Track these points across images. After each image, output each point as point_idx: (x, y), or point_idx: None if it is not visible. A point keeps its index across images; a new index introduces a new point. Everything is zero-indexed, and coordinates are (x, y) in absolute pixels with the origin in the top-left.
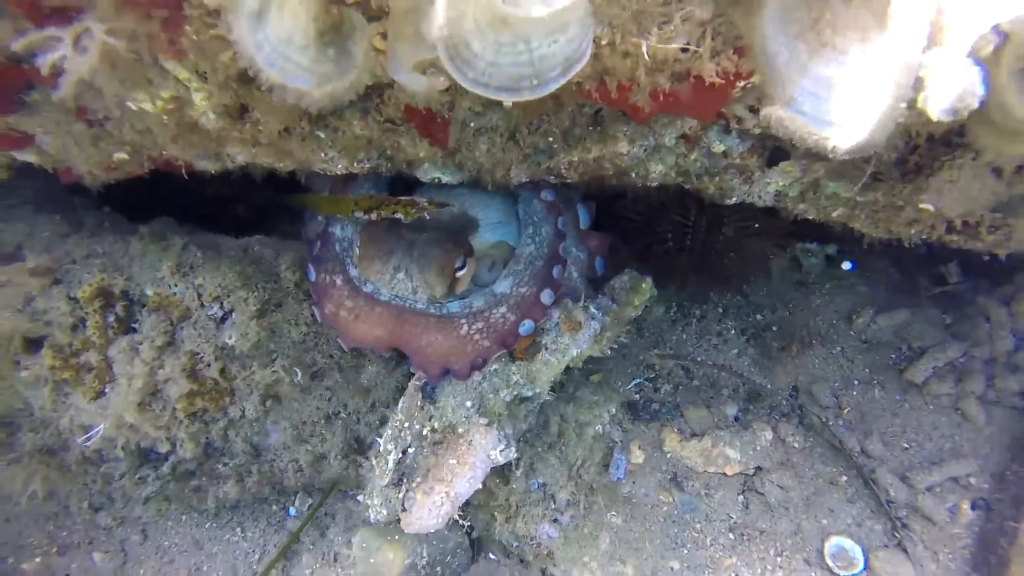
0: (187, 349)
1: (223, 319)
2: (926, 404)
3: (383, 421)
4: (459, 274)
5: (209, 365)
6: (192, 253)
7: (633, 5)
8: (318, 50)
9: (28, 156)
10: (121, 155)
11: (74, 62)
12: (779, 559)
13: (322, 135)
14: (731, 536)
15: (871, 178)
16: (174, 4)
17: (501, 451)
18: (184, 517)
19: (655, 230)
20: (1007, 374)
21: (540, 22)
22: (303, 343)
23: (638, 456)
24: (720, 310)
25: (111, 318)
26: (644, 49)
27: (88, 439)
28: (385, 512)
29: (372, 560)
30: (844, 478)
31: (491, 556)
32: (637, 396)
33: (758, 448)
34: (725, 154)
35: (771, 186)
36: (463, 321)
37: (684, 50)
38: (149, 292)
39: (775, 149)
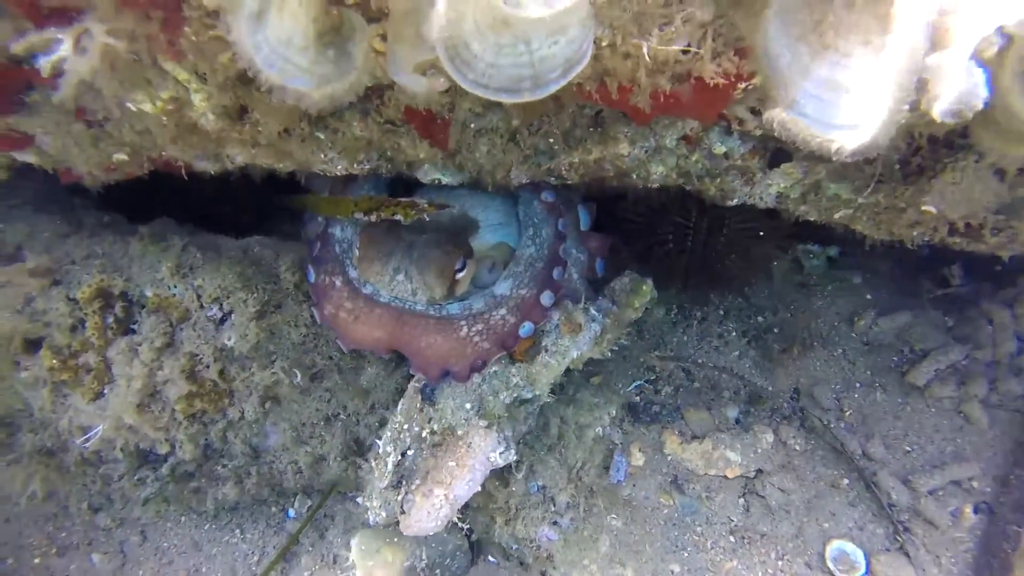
0: (186, 350)
1: (222, 320)
2: (928, 407)
3: (382, 423)
4: (459, 276)
5: (208, 366)
6: (192, 254)
7: (634, 6)
8: (318, 51)
9: (28, 157)
10: (121, 156)
11: (74, 63)
12: (780, 563)
13: (322, 136)
14: (732, 539)
15: (872, 180)
16: (173, 5)
17: (500, 453)
18: (183, 518)
19: (656, 231)
20: (1010, 377)
21: (541, 23)
22: (303, 344)
23: (638, 458)
24: (721, 312)
25: (110, 319)
26: (645, 50)
27: (87, 440)
28: (384, 514)
29: (371, 562)
30: (846, 481)
31: (491, 558)
32: (637, 398)
33: (759, 451)
34: (726, 155)
35: (772, 188)
36: (463, 323)
37: (685, 51)
38: (148, 293)
39: (776, 151)
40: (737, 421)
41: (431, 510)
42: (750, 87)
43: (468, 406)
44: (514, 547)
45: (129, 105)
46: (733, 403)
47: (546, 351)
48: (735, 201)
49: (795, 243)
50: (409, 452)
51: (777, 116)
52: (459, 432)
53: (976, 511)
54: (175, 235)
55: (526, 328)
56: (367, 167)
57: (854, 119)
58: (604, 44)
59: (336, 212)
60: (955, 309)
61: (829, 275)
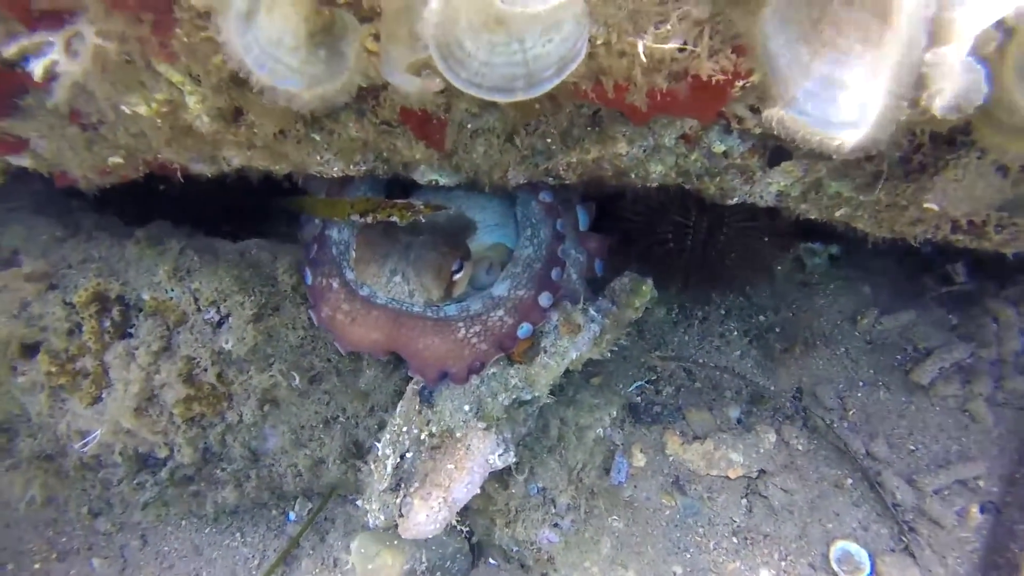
0: (184, 354)
1: (220, 323)
2: (932, 406)
3: (381, 425)
4: (456, 277)
5: (206, 370)
6: (189, 257)
7: (629, 4)
8: (309, 51)
9: (23, 160)
10: (116, 159)
11: (66, 65)
12: (783, 563)
13: (317, 137)
14: (734, 540)
15: (874, 177)
16: (163, 7)
17: (500, 455)
18: (184, 522)
19: (655, 231)
20: (1015, 375)
21: (534, 21)
22: (301, 347)
23: (639, 459)
24: (722, 311)
25: (107, 323)
26: (640, 48)
27: (85, 445)
28: (383, 517)
29: (371, 566)
30: (849, 481)
31: (491, 561)
32: (638, 399)
33: (761, 451)
34: (726, 154)
35: (773, 186)
36: (460, 324)
37: (681, 49)
38: (145, 297)
39: (776, 149)
40: (739, 421)
41: (429, 513)
42: (748, 85)
43: (466, 408)
44: (515, 549)
45: (123, 108)
46: (735, 403)
47: (545, 352)
48: (735, 200)
49: (796, 242)
50: (408, 455)
51: (776, 114)
52: (457, 434)
53: (982, 510)
54: (172, 238)
55: (524, 329)
56: (363, 168)
57: (854, 116)
58: (599, 42)
59: (333, 214)
60: (959, 307)
61: (831, 274)
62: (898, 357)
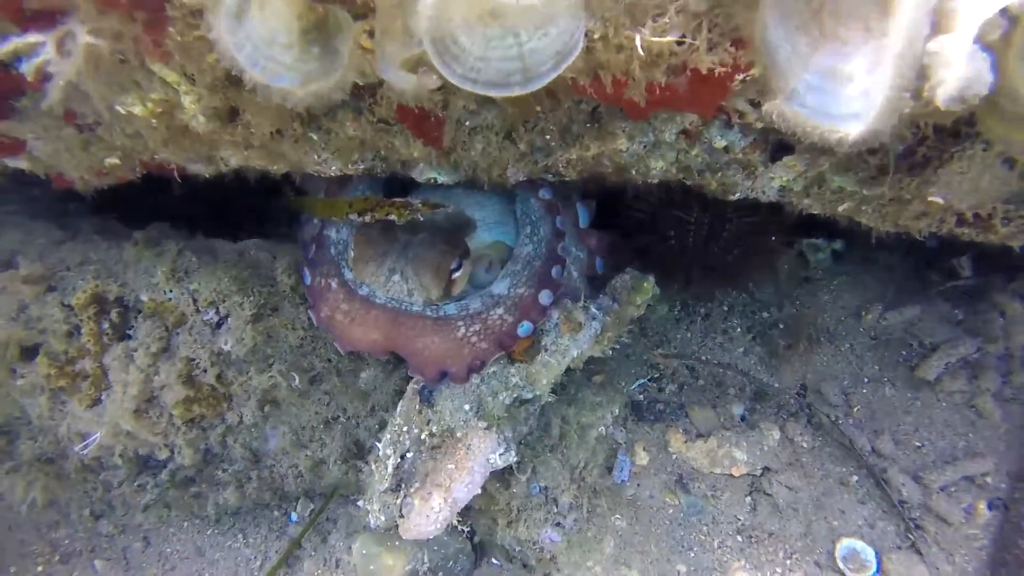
0: (183, 355)
1: (219, 324)
2: (939, 401)
3: (382, 425)
4: (455, 275)
5: (205, 371)
6: (187, 258)
7: None
8: (302, 49)
9: (20, 163)
10: (112, 160)
11: (59, 66)
12: (789, 562)
13: (315, 137)
14: (739, 538)
15: (878, 171)
16: (156, 5)
17: (500, 455)
18: (186, 524)
19: (656, 228)
20: (1023, 370)
21: (530, 12)
22: (300, 347)
23: (642, 458)
24: (725, 308)
25: (106, 325)
26: (638, 42)
27: (85, 447)
28: (384, 518)
29: (372, 567)
30: (855, 478)
31: (494, 561)
32: (641, 396)
33: (765, 448)
34: (727, 149)
35: (775, 181)
36: (460, 323)
37: (680, 43)
38: (144, 298)
39: (778, 143)
40: (743, 418)
41: (430, 513)
42: (748, 78)
43: (467, 407)
44: (517, 549)
45: (118, 108)
46: (738, 400)
47: (546, 350)
48: (737, 195)
49: (799, 237)
50: (408, 455)
51: (777, 108)
52: (458, 434)
53: (990, 507)
54: (170, 240)
55: (524, 327)
56: (361, 167)
57: (856, 109)
58: (596, 36)
59: (331, 213)
60: (965, 302)
61: (835, 269)
62: (903, 353)
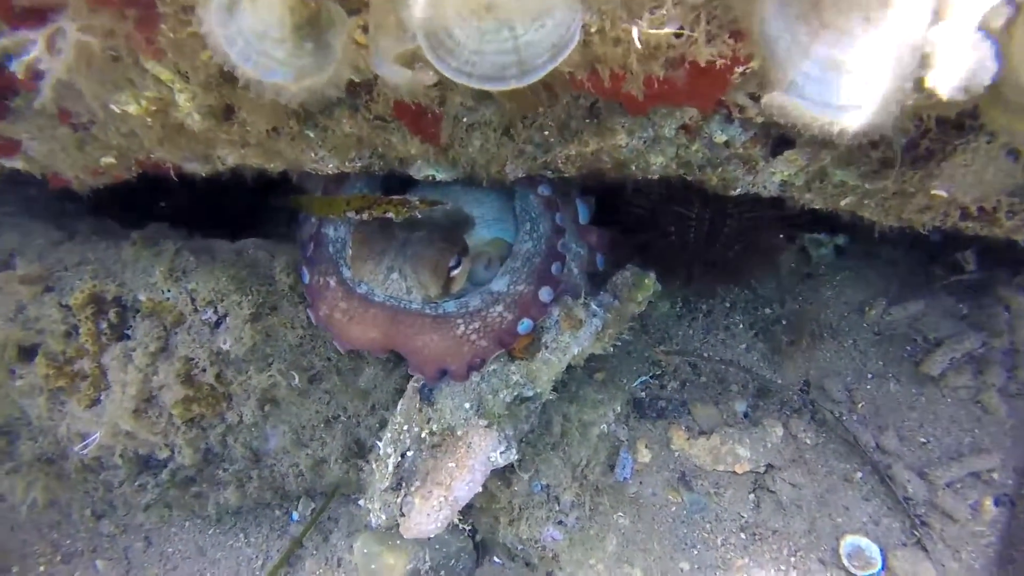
0: (181, 355)
1: (217, 324)
2: (944, 397)
3: (383, 424)
4: (454, 273)
5: (204, 370)
6: (184, 258)
7: None
8: (295, 44)
9: (15, 163)
10: (108, 159)
11: (50, 63)
12: (793, 559)
13: (311, 134)
14: (742, 536)
15: (880, 165)
16: (147, 1)
17: (501, 453)
18: (187, 523)
19: (657, 224)
20: None
21: (525, 4)
22: (300, 346)
23: (645, 455)
24: (727, 304)
25: (104, 325)
26: (635, 35)
27: (85, 447)
28: (385, 517)
29: (374, 566)
30: (859, 475)
31: (496, 559)
32: (643, 394)
33: (769, 445)
34: (727, 144)
35: (776, 176)
36: (459, 321)
37: (677, 35)
38: (142, 298)
39: (779, 137)
40: (746, 415)
41: (430, 512)
42: (748, 71)
43: (467, 406)
44: (519, 548)
45: (113, 107)
46: (741, 397)
47: (546, 348)
48: (738, 191)
49: (801, 232)
50: (409, 453)
51: (776, 99)
52: (458, 432)
53: (997, 503)
54: (168, 239)
55: (525, 325)
56: (359, 165)
57: (856, 99)
58: (593, 30)
59: (328, 211)
60: (969, 296)
61: (837, 264)
62: (907, 348)
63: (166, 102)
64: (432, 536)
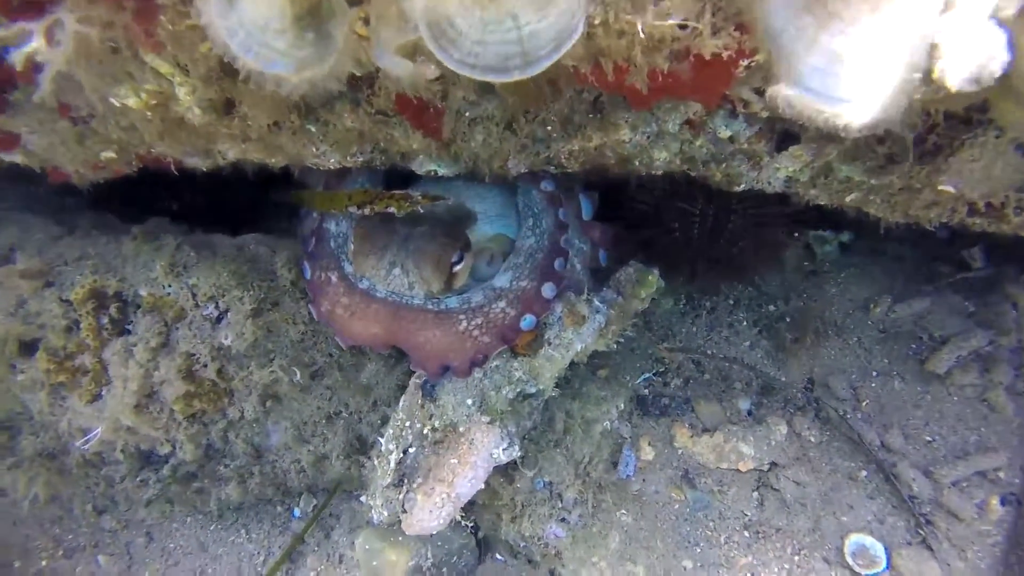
0: (182, 350)
1: (219, 319)
2: (950, 395)
3: (384, 420)
4: (456, 268)
5: (206, 366)
6: (185, 253)
7: None
8: (296, 35)
9: (15, 156)
10: (108, 153)
11: (49, 55)
12: (796, 557)
13: (313, 129)
14: (746, 534)
15: (887, 160)
16: None
17: (504, 450)
18: (189, 519)
19: (661, 220)
20: None
21: None
22: (301, 342)
23: (648, 452)
24: (731, 301)
25: (104, 320)
26: (639, 27)
27: (86, 442)
28: (387, 513)
29: (375, 562)
30: (864, 473)
31: (498, 556)
32: (646, 391)
33: (773, 443)
34: (732, 139)
35: (781, 171)
36: (462, 317)
37: (682, 27)
38: (143, 293)
39: (784, 133)
40: (749, 413)
41: (433, 508)
42: (753, 64)
43: (469, 402)
44: (522, 545)
45: (112, 100)
46: (745, 395)
47: (549, 344)
48: (742, 187)
49: (806, 229)
50: (411, 450)
51: (781, 92)
52: (461, 429)
53: (1003, 503)
54: (168, 234)
55: (527, 321)
56: (360, 160)
57: (863, 91)
58: (597, 22)
59: (330, 206)
60: (976, 293)
61: (842, 261)
62: (913, 346)
63: (166, 96)
64: (434, 533)
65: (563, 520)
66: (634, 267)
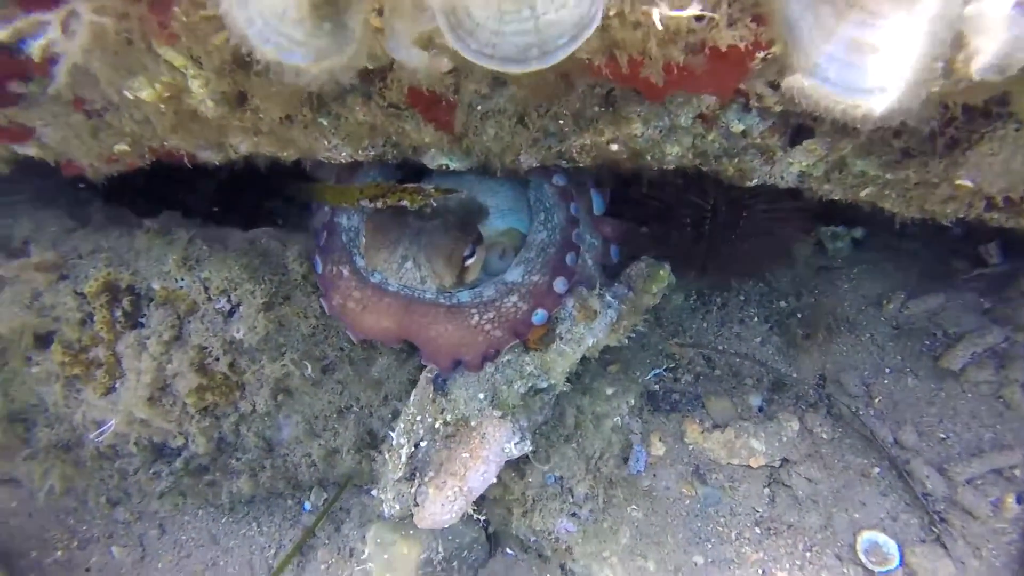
0: (195, 343)
1: (231, 313)
2: (964, 392)
3: (396, 415)
4: (468, 263)
5: (218, 359)
6: (198, 246)
7: None
8: (313, 24)
9: (29, 149)
10: (122, 147)
11: (65, 46)
12: (808, 554)
13: (324, 122)
14: (757, 530)
15: (903, 155)
16: None
17: (516, 444)
18: (201, 512)
19: (672, 215)
20: None
21: None
22: (313, 336)
23: (659, 448)
24: (742, 297)
25: (118, 313)
26: (655, 18)
27: (100, 434)
28: (398, 507)
29: (387, 556)
30: (876, 470)
31: (508, 551)
32: (657, 387)
33: (784, 439)
34: (745, 133)
35: (794, 166)
36: (474, 311)
37: (699, 19)
38: (156, 286)
39: (798, 127)
40: (760, 409)
41: (445, 502)
42: (769, 56)
43: (481, 396)
44: (532, 539)
45: (126, 93)
46: (756, 391)
47: (561, 339)
48: (755, 182)
49: (818, 225)
50: (422, 444)
51: (797, 83)
52: (472, 423)
53: (1019, 501)
54: (181, 228)
55: (539, 315)
56: (372, 153)
57: (882, 81)
58: (612, 13)
59: (342, 200)
60: (992, 289)
61: (854, 257)
62: (926, 343)
63: (179, 88)
64: (446, 526)
65: (574, 515)
66: (645, 262)
